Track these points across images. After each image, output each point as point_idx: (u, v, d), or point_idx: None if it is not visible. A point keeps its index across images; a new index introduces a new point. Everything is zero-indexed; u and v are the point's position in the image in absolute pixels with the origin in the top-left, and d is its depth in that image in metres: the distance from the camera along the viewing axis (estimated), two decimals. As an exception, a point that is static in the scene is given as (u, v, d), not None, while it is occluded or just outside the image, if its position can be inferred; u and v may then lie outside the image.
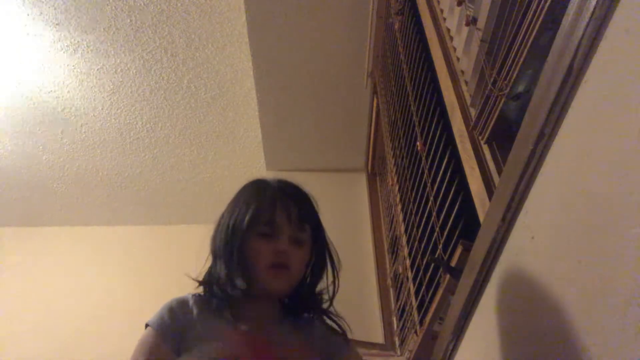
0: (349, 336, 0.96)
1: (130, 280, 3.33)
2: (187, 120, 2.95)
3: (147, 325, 0.86)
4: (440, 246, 1.18)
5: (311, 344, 0.92)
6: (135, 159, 3.21)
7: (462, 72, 1.16)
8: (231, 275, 0.87)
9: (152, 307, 0.89)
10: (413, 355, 1.30)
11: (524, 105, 0.82)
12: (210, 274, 0.93)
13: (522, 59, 0.80)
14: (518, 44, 0.81)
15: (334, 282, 0.97)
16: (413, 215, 1.53)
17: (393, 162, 1.98)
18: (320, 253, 0.96)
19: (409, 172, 1.61)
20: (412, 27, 1.58)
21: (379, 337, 2.03)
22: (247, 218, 0.89)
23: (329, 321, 0.95)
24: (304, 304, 0.96)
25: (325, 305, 0.96)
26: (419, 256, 1.43)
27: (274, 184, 0.95)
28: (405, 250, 1.66)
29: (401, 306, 1.75)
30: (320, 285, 0.97)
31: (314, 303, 0.96)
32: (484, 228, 0.81)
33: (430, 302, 1.20)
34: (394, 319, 1.95)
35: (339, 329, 0.94)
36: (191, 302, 0.90)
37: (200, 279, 0.93)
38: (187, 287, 0.92)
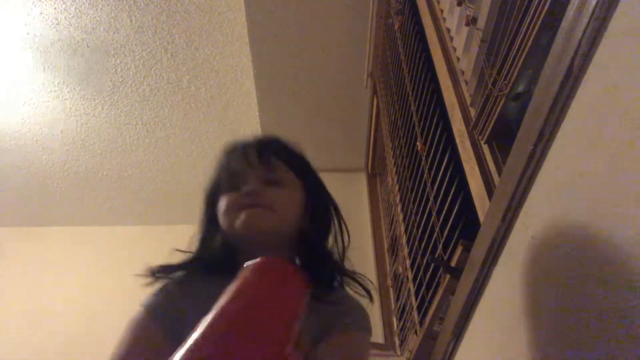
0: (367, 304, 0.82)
1: (130, 280, 3.32)
2: (187, 120, 2.95)
3: None
4: (440, 246, 1.18)
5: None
6: (135, 159, 3.21)
7: (462, 72, 1.16)
8: (206, 239, 0.82)
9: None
10: (413, 355, 1.30)
11: (524, 105, 0.82)
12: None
13: (522, 59, 0.80)
14: (518, 44, 0.81)
15: (341, 232, 0.84)
16: (413, 215, 1.53)
17: (393, 162, 1.98)
18: (314, 193, 0.84)
19: (409, 172, 1.61)
20: (412, 27, 1.58)
21: (379, 337, 2.02)
22: (212, 182, 0.85)
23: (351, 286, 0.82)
24: (319, 265, 0.79)
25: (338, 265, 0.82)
26: (419, 256, 1.43)
27: (241, 140, 0.87)
28: (405, 250, 1.66)
29: (401, 306, 1.75)
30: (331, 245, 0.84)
31: (329, 263, 0.81)
32: (484, 228, 0.81)
33: (430, 302, 1.20)
34: (394, 319, 1.95)
35: (362, 293, 0.81)
36: (186, 275, 0.82)
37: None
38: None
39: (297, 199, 0.81)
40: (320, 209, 0.85)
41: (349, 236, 0.85)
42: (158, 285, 0.80)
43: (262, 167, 0.80)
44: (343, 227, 0.86)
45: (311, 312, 0.69)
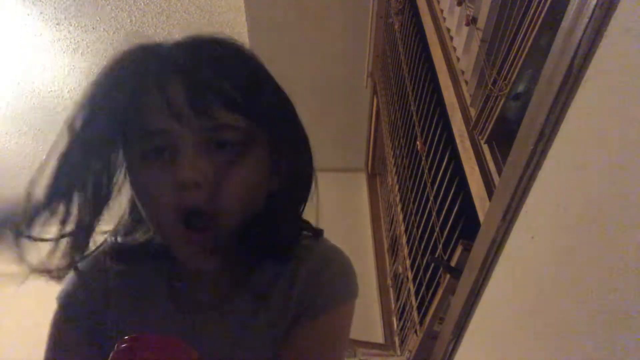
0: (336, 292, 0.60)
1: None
2: (187, 120, 2.95)
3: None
4: (440, 246, 1.18)
5: (274, 321, 0.59)
6: (135, 159, 3.21)
7: (462, 72, 1.16)
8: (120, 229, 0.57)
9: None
10: (413, 355, 1.30)
11: (524, 105, 0.82)
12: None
13: (522, 59, 0.80)
14: (518, 44, 0.81)
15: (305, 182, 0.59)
16: (413, 215, 1.53)
17: (393, 162, 1.98)
18: (287, 148, 0.57)
19: (409, 172, 1.61)
20: (412, 27, 1.58)
21: (379, 337, 2.03)
22: (108, 129, 0.51)
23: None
24: (288, 241, 0.59)
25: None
26: (419, 256, 1.43)
27: (154, 53, 0.52)
28: (405, 250, 1.66)
29: (401, 306, 1.75)
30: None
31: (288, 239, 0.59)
32: (484, 228, 0.81)
33: (430, 302, 1.20)
34: (394, 319, 1.95)
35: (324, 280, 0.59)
36: (107, 259, 0.59)
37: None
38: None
39: (259, 170, 0.54)
40: (295, 171, 0.59)
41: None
42: (73, 273, 0.60)
43: (199, 122, 0.49)
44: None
45: (278, 297, 0.59)
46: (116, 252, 0.60)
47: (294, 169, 0.59)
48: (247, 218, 0.54)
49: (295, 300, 0.59)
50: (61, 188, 0.53)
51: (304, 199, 0.60)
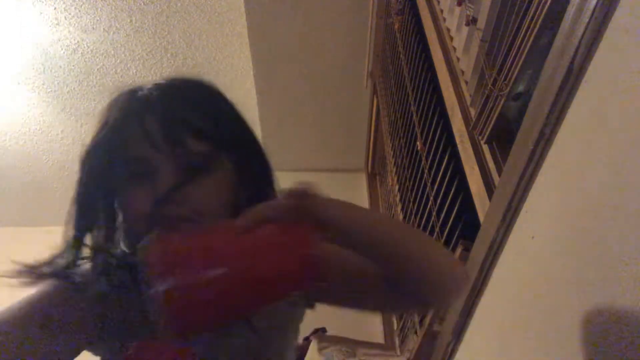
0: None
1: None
2: (187, 120, 2.95)
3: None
4: (440, 246, 1.18)
5: None
6: (135, 159, 3.21)
7: (462, 72, 1.16)
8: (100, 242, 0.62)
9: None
10: (413, 355, 1.30)
11: (524, 105, 0.82)
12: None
13: (522, 59, 0.80)
14: (518, 44, 0.81)
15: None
16: (413, 216, 1.53)
17: (393, 162, 1.98)
18: (248, 162, 0.65)
19: (409, 172, 1.61)
20: (412, 27, 1.58)
21: (379, 337, 2.03)
22: (100, 156, 0.62)
23: None
24: None
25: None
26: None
27: (135, 95, 0.63)
28: (405, 250, 1.66)
29: (401, 306, 1.75)
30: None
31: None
32: (484, 228, 0.81)
33: (430, 302, 1.20)
34: (394, 319, 1.95)
35: None
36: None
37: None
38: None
39: (226, 183, 0.62)
40: (258, 177, 0.67)
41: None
42: (51, 283, 0.63)
43: (173, 150, 0.58)
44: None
45: None
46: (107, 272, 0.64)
47: (255, 178, 0.66)
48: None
49: None
50: (79, 211, 0.64)
51: (269, 196, 0.67)
